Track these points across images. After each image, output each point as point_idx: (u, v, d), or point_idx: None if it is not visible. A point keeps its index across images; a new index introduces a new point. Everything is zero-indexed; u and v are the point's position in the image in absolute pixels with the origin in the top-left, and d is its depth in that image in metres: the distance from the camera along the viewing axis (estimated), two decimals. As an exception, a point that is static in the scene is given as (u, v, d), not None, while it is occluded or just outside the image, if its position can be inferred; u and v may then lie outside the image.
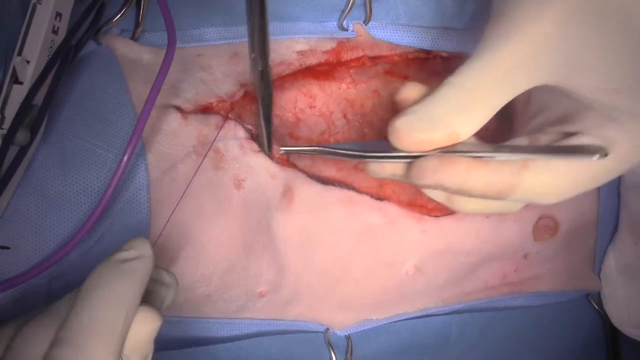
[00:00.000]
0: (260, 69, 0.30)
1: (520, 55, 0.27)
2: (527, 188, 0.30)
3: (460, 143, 0.29)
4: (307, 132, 0.42)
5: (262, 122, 0.35)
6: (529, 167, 0.30)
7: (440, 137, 0.28)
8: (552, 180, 0.30)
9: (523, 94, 0.29)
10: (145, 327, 0.28)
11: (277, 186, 0.41)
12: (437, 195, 0.33)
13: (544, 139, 0.32)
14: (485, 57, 0.28)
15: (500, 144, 0.32)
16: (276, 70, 0.41)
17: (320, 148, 0.33)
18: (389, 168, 0.31)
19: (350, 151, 0.32)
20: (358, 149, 0.32)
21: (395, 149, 0.30)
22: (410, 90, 0.31)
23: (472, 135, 0.30)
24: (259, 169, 0.40)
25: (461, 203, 0.32)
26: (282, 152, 0.34)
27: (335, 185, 0.42)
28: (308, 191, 0.41)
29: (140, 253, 0.29)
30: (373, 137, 0.43)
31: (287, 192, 0.41)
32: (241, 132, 0.40)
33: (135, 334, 0.27)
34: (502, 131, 0.41)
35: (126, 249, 0.29)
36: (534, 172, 0.30)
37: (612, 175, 0.31)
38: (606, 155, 0.29)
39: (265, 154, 0.40)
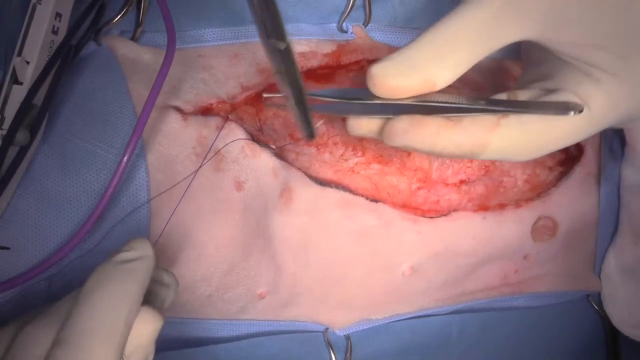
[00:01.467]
0: (281, 48, 0.28)
1: (505, 5, 0.27)
2: (498, 146, 0.30)
3: (436, 93, 0.29)
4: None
5: (295, 107, 0.32)
6: (500, 125, 0.29)
7: (415, 83, 0.28)
8: (524, 138, 0.30)
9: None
10: (146, 327, 0.28)
11: (277, 186, 0.41)
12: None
13: (522, 95, 0.32)
14: (467, 6, 0.28)
15: (475, 97, 0.31)
16: None
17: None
18: (365, 125, 0.31)
19: (333, 98, 0.31)
20: (340, 96, 0.31)
21: (374, 98, 0.30)
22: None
23: (451, 89, 0.30)
24: (261, 168, 0.40)
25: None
26: (265, 96, 0.33)
27: (332, 187, 0.42)
28: (306, 192, 0.41)
29: (141, 254, 0.29)
30: (372, 140, 0.43)
31: (286, 192, 0.41)
32: (242, 134, 0.40)
33: (137, 335, 0.27)
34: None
35: (127, 249, 0.29)
36: (506, 130, 0.29)
37: (585, 134, 0.31)
38: (580, 111, 0.29)
39: (306, 138, 0.36)
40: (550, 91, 0.31)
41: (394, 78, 0.28)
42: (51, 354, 0.25)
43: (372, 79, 0.29)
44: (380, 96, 0.29)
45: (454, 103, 0.29)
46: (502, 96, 0.32)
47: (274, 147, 0.41)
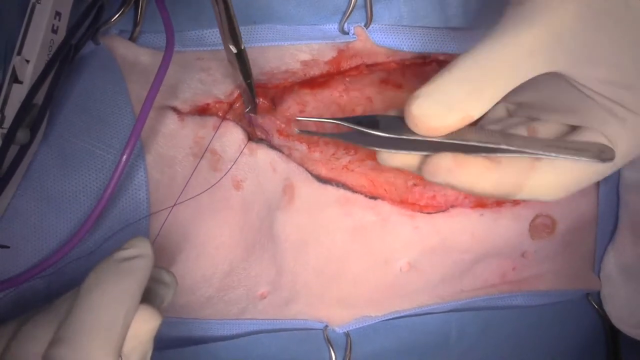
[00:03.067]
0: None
1: (541, 40, 0.27)
2: (532, 188, 0.30)
3: (468, 126, 0.30)
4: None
5: (245, 85, 0.34)
6: (535, 168, 0.30)
7: (454, 120, 0.28)
8: (557, 179, 0.30)
9: None
10: (145, 325, 0.28)
11: (279, 182, 0.41)
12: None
13: (542, 130, 0.32)
14: (507, 39, 0.28)
15: (508, 133, 0.32)
16: (282, 76, 0.41)
17: (332, 133, 0.33)
18: (400, 159, 0.32)
19: (360, 140, 0.32)
20: (369, 128, 0.31)
21: (401, 129, 0.30)
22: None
23: None
24: (260, 165, 0.40)
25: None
26: (295, 128, 0.34)
27: (332, 184, 0.42)
28: (308, 189, 0.41)
29: (140, 252, 0.29)
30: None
31: (288, 189, 0.41)
32: (239, 132, 0.40)
33: (135, 333, 0.27)
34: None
35: (126, 247, 0.29)
36: (541, 173, 0.30)
37: (610, 172, 0.32)
38: (612, 158, 0.30)
39: (250, 112, 0.39)
40: (573, 127, 0.32)
41: (433, 118, 0.28)
42: (50, 352, 0.25)
43: (411, 118, 0.29)
44: (419, 134, 0.29)
45: (490, 143, 0.30)
46: (522, 131, 0.33)
47: (265, 138, 0.41)
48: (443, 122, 0.28)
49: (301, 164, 0.42)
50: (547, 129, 0.33)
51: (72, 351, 0.25)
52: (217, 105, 0.40)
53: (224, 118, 0.40)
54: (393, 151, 0.31)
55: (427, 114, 0.28)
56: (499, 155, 0.30)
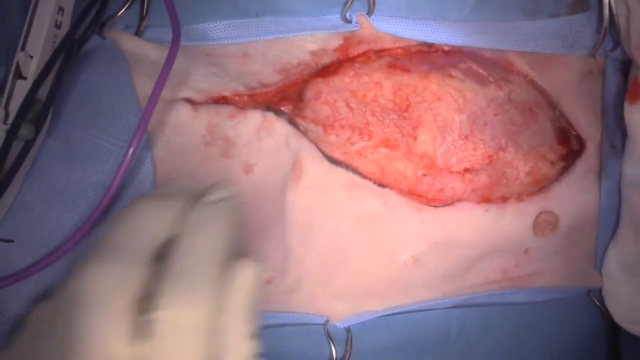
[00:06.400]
0: None
1: None
2: None
3: None
4: (311, 114, 0.42)
5: None
6: None
7: None
8: None
9: None
10: (245, 270, 0.27)
11: (289, 157, 0.41)
12: None
13: None
14: None
15: None
16: (296, 70, 0.41)
17: None
18: None
19: None
20: None
21: None
22: None
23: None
24: (276, 137, 0.41)
25: None
26: None
27: (342, 167, 0.42)
28: (316, 168, 0.41)
29: (229, 193, 0.29)
30: (377, 124, 0.43)
31: (297, 166, 0.41)
32: (258, 116, 0.40)
33: (239, 282, 0.27)
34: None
35: (212, 192, 0.29)
36: None
37: None
38: None
39: None
40: None
41: None
42: (158, 287, 0.24)
43: None
44: None
45: None
46: None
47: (287, 111, 0.41)
48: None
49: (315, 143, 0.42)
50: None
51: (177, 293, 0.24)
52: (236, 98, 0.41)
53: (242, 108, 0.40)
54: None
55: None
56: None
